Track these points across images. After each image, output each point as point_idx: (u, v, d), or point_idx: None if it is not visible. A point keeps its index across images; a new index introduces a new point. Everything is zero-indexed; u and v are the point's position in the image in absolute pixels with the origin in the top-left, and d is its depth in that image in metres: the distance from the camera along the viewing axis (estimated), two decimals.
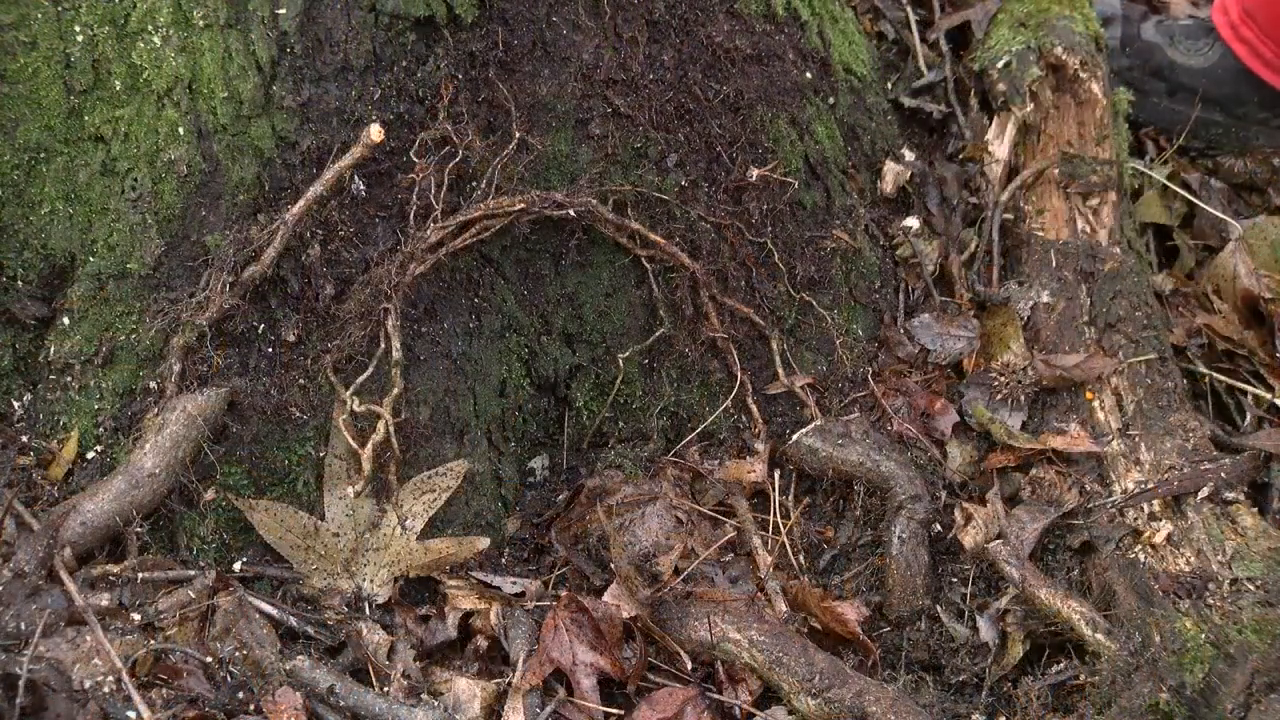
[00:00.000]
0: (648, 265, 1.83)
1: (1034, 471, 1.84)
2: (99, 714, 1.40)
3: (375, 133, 1.55)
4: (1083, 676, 1.63)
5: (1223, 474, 1.75)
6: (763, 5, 1.87)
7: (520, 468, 1.87)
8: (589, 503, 1.79)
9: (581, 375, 1.87)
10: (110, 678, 1.44)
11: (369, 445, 1.59)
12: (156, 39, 1.55)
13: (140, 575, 1.55)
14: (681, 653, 1.63)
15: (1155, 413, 1.87)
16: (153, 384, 1.62)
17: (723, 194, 1.86)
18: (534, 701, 1.53)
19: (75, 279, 1.63)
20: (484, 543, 1.68)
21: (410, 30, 1.61)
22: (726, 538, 1.82)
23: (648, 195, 1.80)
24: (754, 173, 1.85)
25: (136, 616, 1.52)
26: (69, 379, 1.64)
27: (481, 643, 1.63)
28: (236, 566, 1.64)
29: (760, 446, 1.89)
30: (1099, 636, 1.61)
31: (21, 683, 1.34)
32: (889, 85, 2.24)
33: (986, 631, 1.72)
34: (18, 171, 1.62)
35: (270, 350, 1.64)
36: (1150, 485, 1.77)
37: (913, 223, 2.14)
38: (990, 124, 2.24)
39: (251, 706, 1.46)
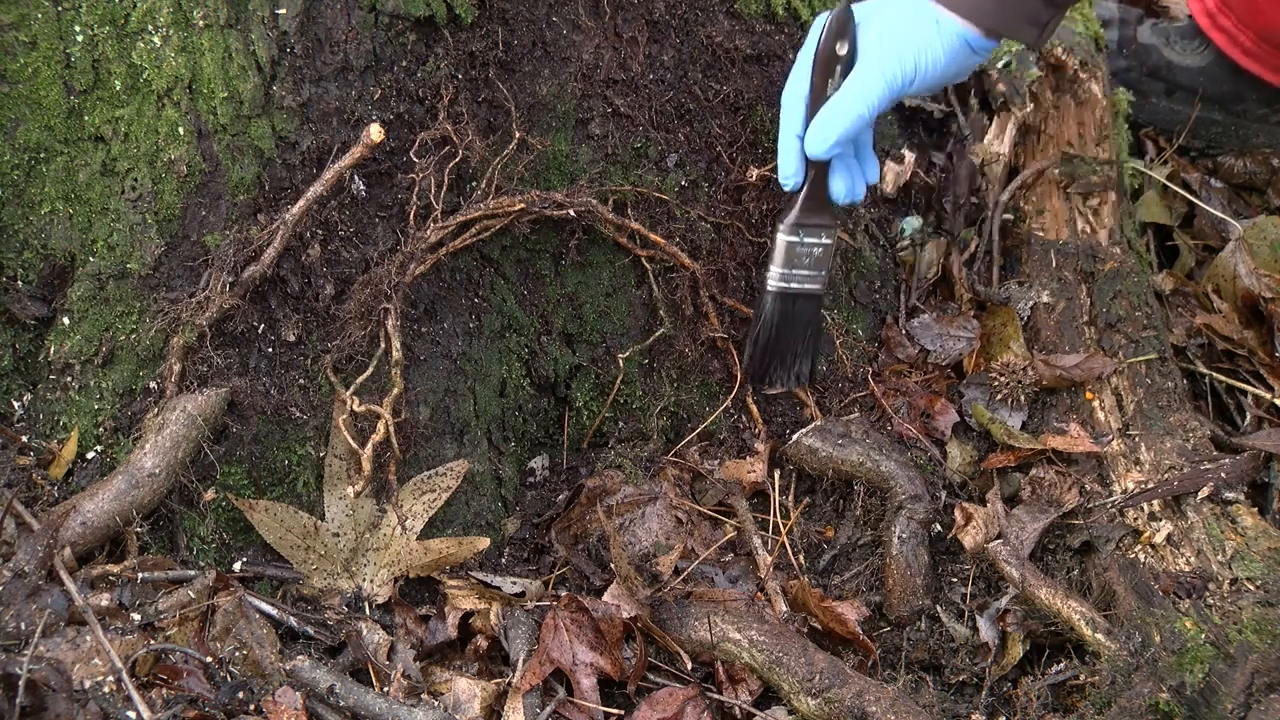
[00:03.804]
0: (648, 265, 1.83)
1: (1034, 471, 1.84)
2: (99, 714, 1.40)
3: (375, 133, 1.55)
4: (1083, 676, 1.63)
5: (1223, 474, 1.75)
6: (763, 5, 1.87)
7: (520, 468, 1.87)
8: (589, 503, 1.79)
9: (581, 375, 1.87)
10: (110, 678, 1.44)
11: (369, 445, 1.59)
12: (156, 39, 1.55)
13: (140, 575, 1.55)
14: (681, 653, 1.63)
15: (1155, 413, 1.87)
16: (153, 384, 1.62)
17: (723, 194, 1.86)
18: (534, 701, 1.53)
19: (75, 279, 1.63)
20: (484, 543, 1.68)
21: (410, 30, 1.61)
22: (726, 538, 1.82)
23: (648, 195, 1.81)
24: (754, 173, 1.86)
25: (136, 616, 1.52)
26: (69, 379, 1.64)
27: (481, 643, 1.63)
28: (236, 566, 1.64)
29: (760, 446, 1.90)
30: (1099, 636, 1.61)
31: (21, 683, 1.34)
32: None
33: (986, 631, 1.72)
34: (18, 171, 1.62)
35: (270, 350, 1.64)
36: (1150, 485, 1.77)
37: (914, 221, 2.15)
38: (990, 124, 2.24)
39: (251, 706, 1.46)
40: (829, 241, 1.78)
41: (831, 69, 1.70)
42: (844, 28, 1.69)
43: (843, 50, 1.69)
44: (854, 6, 1.72)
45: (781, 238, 1.76)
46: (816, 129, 1.69)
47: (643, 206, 1.81)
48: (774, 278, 1.78)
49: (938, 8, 1.69)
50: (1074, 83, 2.23)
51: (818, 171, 1.74)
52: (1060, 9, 1.71)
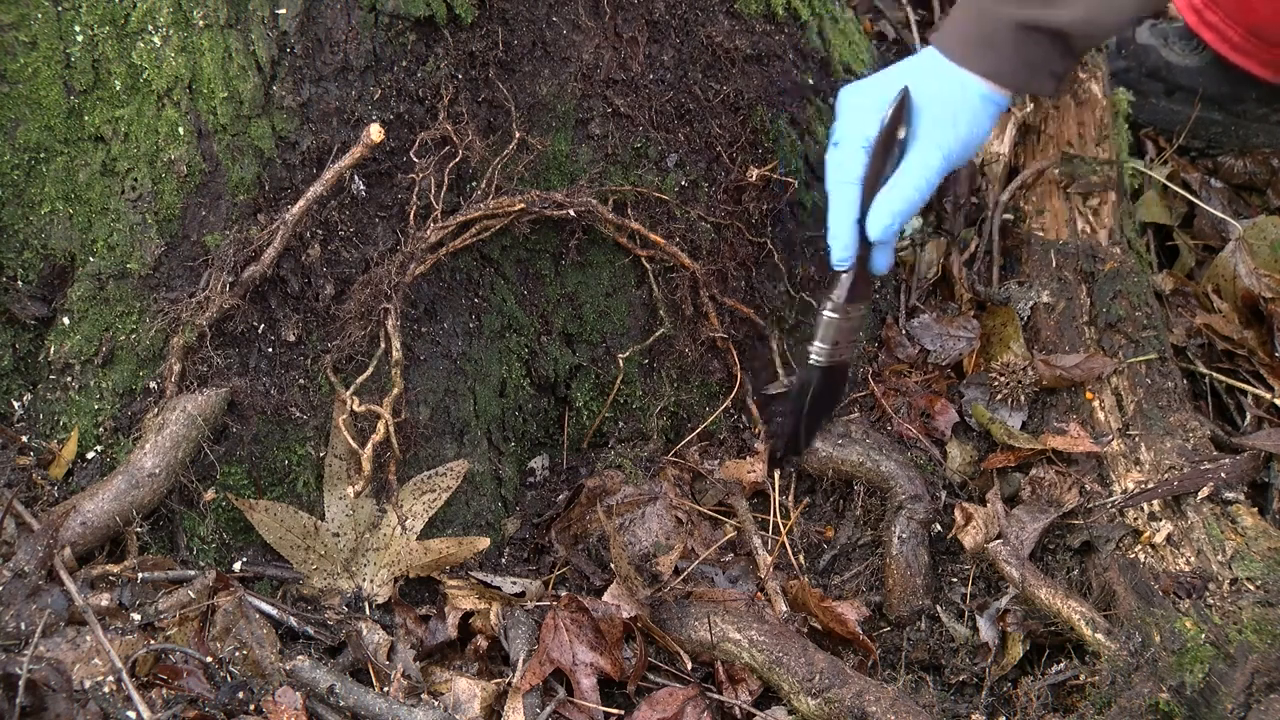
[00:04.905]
0: (648, 265, 1.83)
1: (1034, 471, 1.84)
2: (99, 714, 1.40)
3: (375, 133, 1.55)
4: (1083, 676, 1.63)
5: (1223, 474, 1.75)
6: (763, 5, 1.87)
7: (520, 468, 1.87)
8: (589, 503, 1.79)
9: (581, 375, 1.87)
10: (110, 678, 1.44)
11: (369, 445, 1.59)
12: (156, 39, 1.55)
13: (140, 575, 1.55)
14: (681, 653, 1.63)
15: (1155, 413, 1.87)
16: (153, 384, 1.62)
17: (723, 194, 1.86)
18: (534, 701, 1.53)
19: (75, 279, 1.63)
20: (484, 543, 1.68)
21: (410, 30, 1.61)
22: (726, 538, 1.82)
23: (648, 195, 1.81)
24: (754, 173, 1.85)
25: (136, 616, 1.52)
26: (69, 379, 1.64)
27: (481, 643, 1.63)
28: (236, 566, 1.64)
29: (760, 446, 1.90)
30: (1099, 636, 1.61)
31: (21, 683, 1.34)
32: None
33: (986, 631, 1.72)
34: (18, 171, 1.62)
35: (270, 350, 1.64)
36: (1150, 485, 1.77)
37: (914, 221, 2.15)
38: None
39: (251, 706, 1.46)
40: (865, 311, 1.83)
41: (891, 151, 1.72)
42: (903, 113, 1.71)
43: (902, 134, 1.71)
44: (882, 80, 1.74)
45: (829, 315, 1.77)
46: (882, 212, 1.70)
47: (643, 206, 1.81)
48: (818, 354, 1.80)
49: (970, 76, 1.71)
50: (1074, 83, 2.23)
51: (866, 250, 1.76)
52: (1076, 59, 1.72)
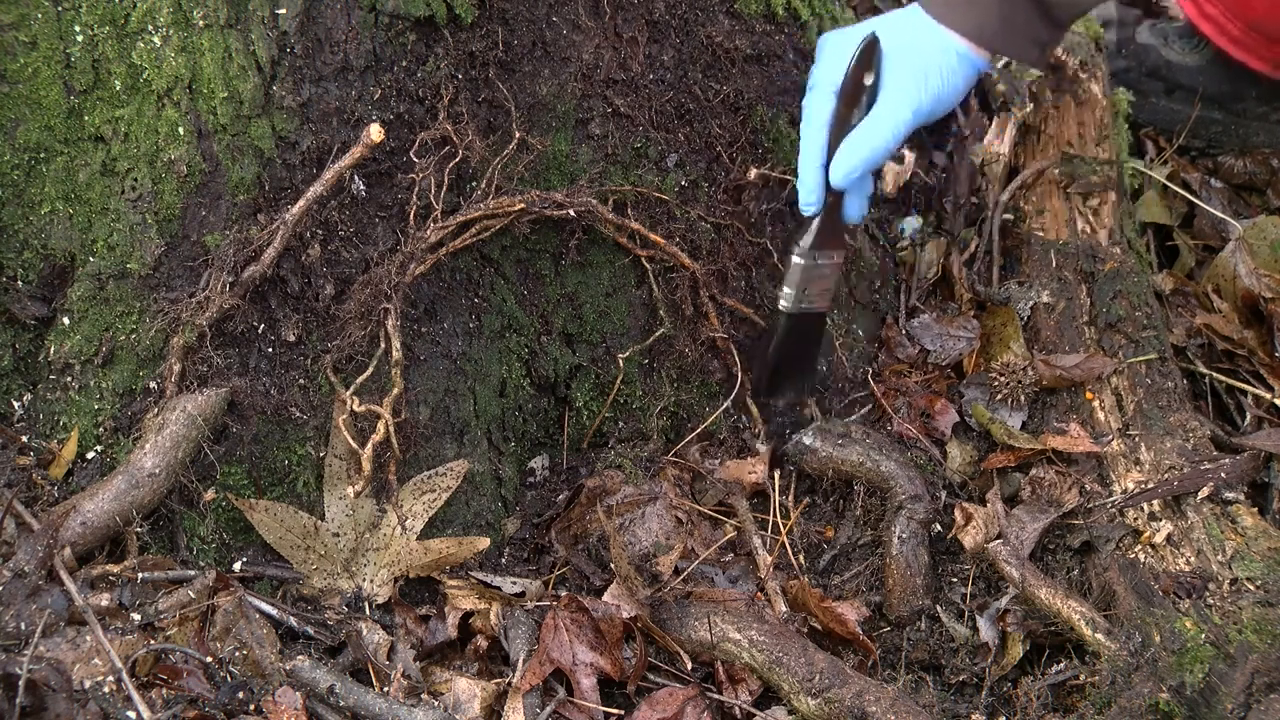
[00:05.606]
0: (648, 265, 1.83)
1: (1034, 471, 1.84)
2: (99, 714, 1.40)
3: (375, 133, 1.55)
4: (1083, 676, 1.63)
5: (1223, 474, 1.75)
6: (763, 5, 1.87)
7: (520, 468, 1.87)
8: (589, 503, 1.79)
9: (581, 375, 1.87)
10: (110, 678, 1.44)
11: (369, 445, 1.59)
12: (156, 39, 1.55)
13: (140, 575, 1.55)
14: (681, 653, 1.63)
15: (1155, 413, 1.87)
16: (153, 384, 1.62)
17: (723, 194, 1.86)
18: (534, 701, 1.53)
19: (75, 279, 1.63)
20: (484, 543, 1.68)
21: (410, 30, 1.61)
22: (726, 538, 1.82)
23: (648, 195, 1.81)
24: (753, 172, 1.86)
25: (136, 616, 1.52)
26: (69, 379, 1.64)
27: (481, 643, 1.63)
28: (236, 566, 1.64)
29: (760, 446, 1.90)
30: (1099, 636, 1.61)
31: (21, 683, 1.34)
32: None
33: (986, 631, 1.72)
34: (18, 171, 1.62)
35: (270, 350, 1.64)
36: (1150, 485, 1.77)
37: (914, 221, 2.15)
38: (990, 124, 2.24)
39: (251, 706, 1.46)
40: (839, 260, 1.81)
41: (857, 98, 1.72)
42: (871, 59, 1.70)
43: (869, 80, 1.71)
44: (859, 28, 1.74)
45: (797, 260, 1.78)
46: (845, 158, 1.70)
47: (643, 206, 1.81)
48: (788, 300, 1.80)
49: (949, 34, 1.70)
50: (1074, 82, 2.23)
51: (835, 196, 1.76)
52: (1062, 29, 1.72)
